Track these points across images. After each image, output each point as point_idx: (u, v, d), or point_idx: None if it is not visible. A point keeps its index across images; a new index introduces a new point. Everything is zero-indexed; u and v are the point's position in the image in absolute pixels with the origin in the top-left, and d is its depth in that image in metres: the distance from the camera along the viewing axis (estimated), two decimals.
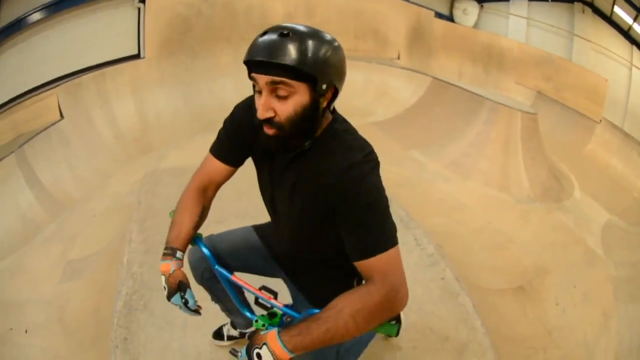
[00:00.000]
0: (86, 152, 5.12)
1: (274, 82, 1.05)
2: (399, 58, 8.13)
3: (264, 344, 1.04)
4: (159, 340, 2.23)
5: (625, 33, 7.55)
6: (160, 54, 6.26)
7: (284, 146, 1.16)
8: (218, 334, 2.18)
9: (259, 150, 1.35)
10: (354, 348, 1.86)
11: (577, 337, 3.15)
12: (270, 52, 1.02)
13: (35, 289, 3.20)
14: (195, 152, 4.18)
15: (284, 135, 1.11)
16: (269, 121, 1.10)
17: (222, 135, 1.41)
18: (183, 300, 1.29)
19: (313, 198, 1.20)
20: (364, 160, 1.13)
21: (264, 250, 1.65)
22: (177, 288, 1.29)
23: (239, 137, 1.36)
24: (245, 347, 1.10)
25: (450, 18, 9.08)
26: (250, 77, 1.11)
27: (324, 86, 1.08)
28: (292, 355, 1.04)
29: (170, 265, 1.31)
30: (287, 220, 1.37)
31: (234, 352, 1.86)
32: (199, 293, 1.79)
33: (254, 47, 1.07)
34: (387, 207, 1.14)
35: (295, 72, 1.03)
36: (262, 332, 1.07)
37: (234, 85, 6.66)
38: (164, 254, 1.34)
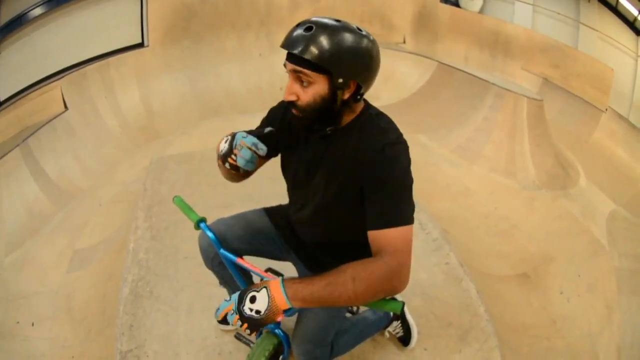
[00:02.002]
0: (92, 142, 5.13)
1: (295, 71, 1.16)
2: (404, 42, 8.06)
3: (264, 287, 1.11)
4: (165, 326, 2.24)
5: (631, 24, 7.43)
6: (165, 42, 6.25)
7: (307, 128, 1.28)
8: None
9: (290, 140, 1.43)
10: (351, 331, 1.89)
11: (582, 327, 3.14)
12: (293, 44, 1.12)
13: (43, 280, 3.22)
14: (202, 137, 4.25)
15: (306, 118, 1.22)
16: (293, 104, 1.21)
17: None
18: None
19: (349, 176, 1.26)
20: (397, 141, 1.23)
21: (274, 232, 1.67)
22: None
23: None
24: (237, 294, 1.17)
25: (456, 3, 8.97)
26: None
27: (340, 80, 1.15)
28: (289, 305, 1.10)
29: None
30: (318, 201, 1.40)
31: (238, 337, 1.89)
32: (208, 277, 1.80)
33: (286, 38, 1.16)
34: (411, 187, 1.22)
35: (312, 64, 1.13)
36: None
37: (239, 70, 6.64)
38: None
